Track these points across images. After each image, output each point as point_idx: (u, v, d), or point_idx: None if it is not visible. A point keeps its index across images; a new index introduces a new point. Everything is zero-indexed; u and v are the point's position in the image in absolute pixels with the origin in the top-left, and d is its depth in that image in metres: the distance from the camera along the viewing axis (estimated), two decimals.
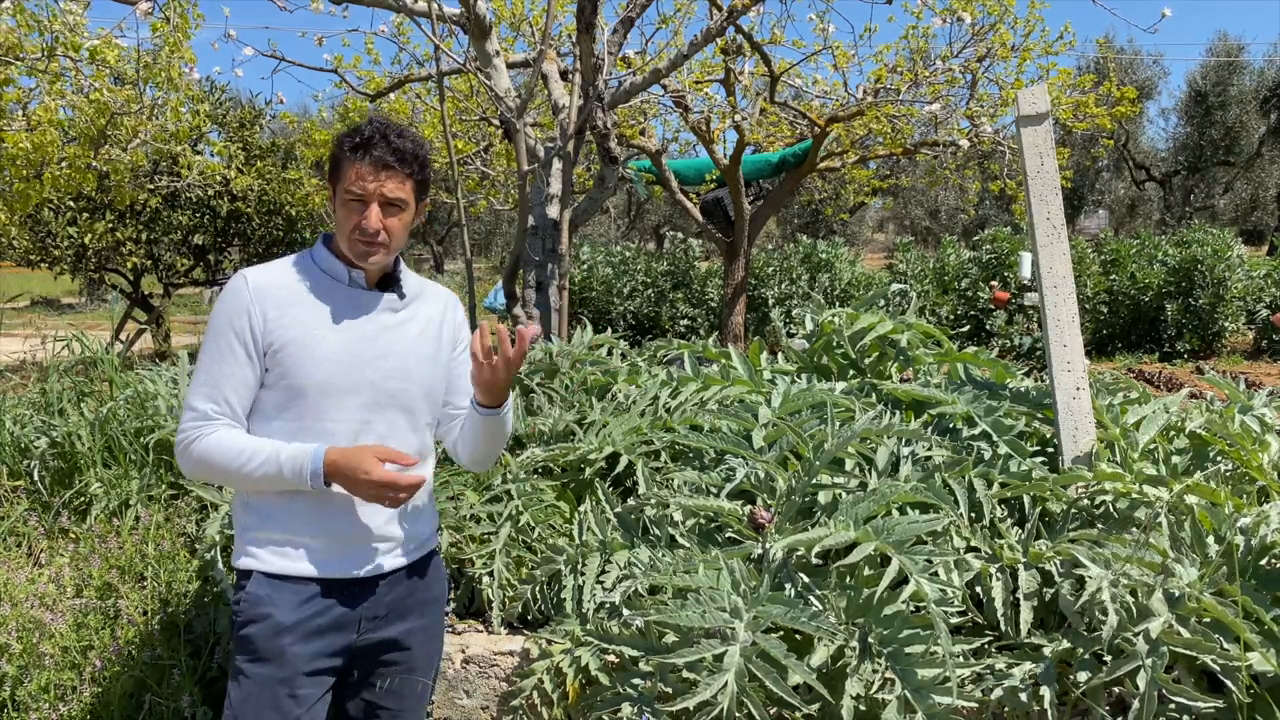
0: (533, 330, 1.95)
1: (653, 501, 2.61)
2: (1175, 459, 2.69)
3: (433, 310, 1.94)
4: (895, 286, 4.63)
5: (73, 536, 3.01)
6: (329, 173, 1.83)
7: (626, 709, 2.15)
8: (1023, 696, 2.14)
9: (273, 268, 1.84)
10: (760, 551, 2.23)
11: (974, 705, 2.17)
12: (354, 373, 1.79)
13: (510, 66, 5.73)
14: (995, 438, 2.64)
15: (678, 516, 2.56)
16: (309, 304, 1.80)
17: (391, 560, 1.86)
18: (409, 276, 1.92)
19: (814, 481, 2.42)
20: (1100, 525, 2.44)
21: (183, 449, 1.77)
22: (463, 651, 2.53)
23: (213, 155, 8.97)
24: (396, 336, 1.86)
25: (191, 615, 2.68)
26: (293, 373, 1.76)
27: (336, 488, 1.75)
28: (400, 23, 7.05)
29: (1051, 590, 2.30)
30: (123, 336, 10.23)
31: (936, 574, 2.13)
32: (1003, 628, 2.27)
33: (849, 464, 2.61)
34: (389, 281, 1.87)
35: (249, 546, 1.81)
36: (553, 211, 4.92)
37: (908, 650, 2.07)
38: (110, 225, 9.75)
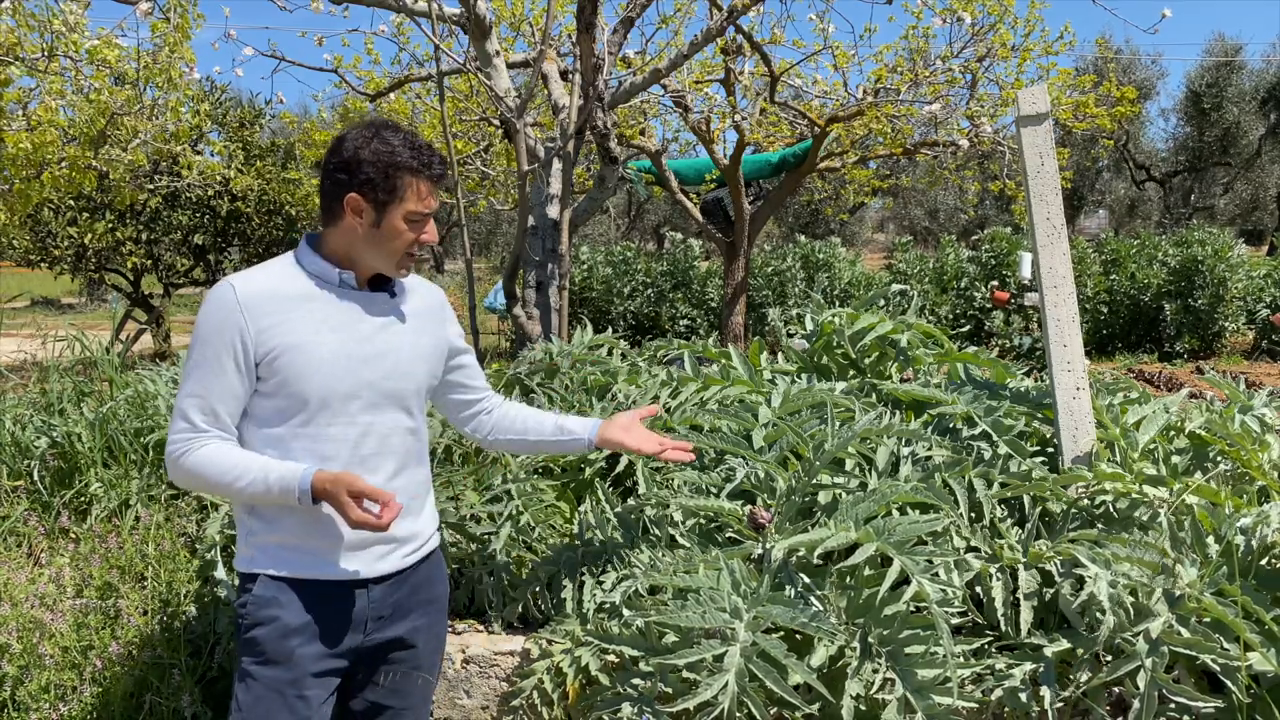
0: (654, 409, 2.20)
1: (653, 501, 2.61)
2: (1175, 459, 2.69)
3: (422, 305, 1.94)
4: (896, 287, 4.63)
5: (73, 536, 3.01)
6: (376, 188, 1.75)
7: (626, 709, 2.15)
8: (1023, 697, 2.14)
9: (259, 274, 1.79)
10: (760, 552, 2.23)
11: (974, 705, 2.17)
12: (354, 375, 1.78)
13: (510, 66, 5.73)
14: (995, 438, 2.64)
15: (678, 516, 2.55)
16: (302, 309, 1.77)
17: (395, 561, 1.87)
18: None
19: (814, 481, 2.42)
20: (1100, 525, 2.44)
21: (173, 461, 1.76)
22: (463, 651, 2.53)
23: (213, 155, 8.97)
24: (392, 334, 1.86)
25: (191, 615, 2.68)
26: (293, 380, 1.74)
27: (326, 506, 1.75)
28: (400, 23, 7.05)
29: (1051, 590, 2.30)
30: (123, 336, 10.23)
31: (937, 574, 2.12)
32: (1003, 628, 2.27)
33: (849, 464, 2.61)
34: (380, 281, 1.87)
35: (254, 550, 1.81)
36: (553, 211, 4.92)
37: (908, 650, 2.07)
38: (110, 225, 9.75)
